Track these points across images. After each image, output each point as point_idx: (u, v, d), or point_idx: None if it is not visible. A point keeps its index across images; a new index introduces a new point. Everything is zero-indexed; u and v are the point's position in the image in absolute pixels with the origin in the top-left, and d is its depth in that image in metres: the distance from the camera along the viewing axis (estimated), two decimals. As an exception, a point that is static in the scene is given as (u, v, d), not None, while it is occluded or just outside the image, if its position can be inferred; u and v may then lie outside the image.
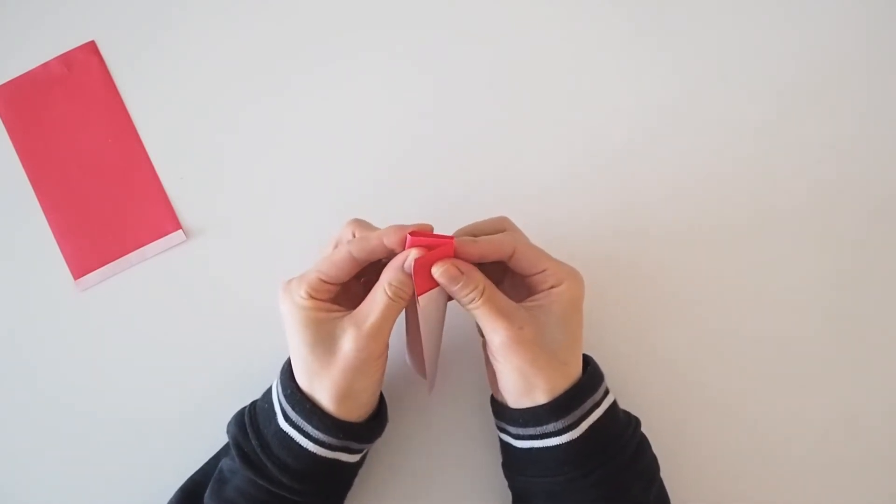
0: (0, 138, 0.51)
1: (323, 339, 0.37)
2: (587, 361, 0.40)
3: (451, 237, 0.38)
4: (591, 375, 0.39)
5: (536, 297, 0.39)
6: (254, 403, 0.41)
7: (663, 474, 0.40)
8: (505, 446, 0.41)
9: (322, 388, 0.37)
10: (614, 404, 0.39)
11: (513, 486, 0.42)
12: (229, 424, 0.40)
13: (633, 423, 0.40)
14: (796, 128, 0.50)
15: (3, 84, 0.52)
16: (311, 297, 0.37)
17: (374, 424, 0.40)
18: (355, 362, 0.37)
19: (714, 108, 0.51)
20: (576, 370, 0.38)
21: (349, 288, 0.39)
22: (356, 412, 0.38)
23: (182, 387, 0.47)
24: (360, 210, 0.47)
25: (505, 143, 0.50)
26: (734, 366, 0.47)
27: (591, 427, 0.37)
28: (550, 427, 0.37)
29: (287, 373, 0.39)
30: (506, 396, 0.39)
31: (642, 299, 0.48)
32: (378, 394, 0.40)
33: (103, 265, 0.49)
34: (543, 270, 0.38)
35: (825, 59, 0.52)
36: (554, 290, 0.38)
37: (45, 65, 0.52)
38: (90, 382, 0.47)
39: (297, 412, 0.38)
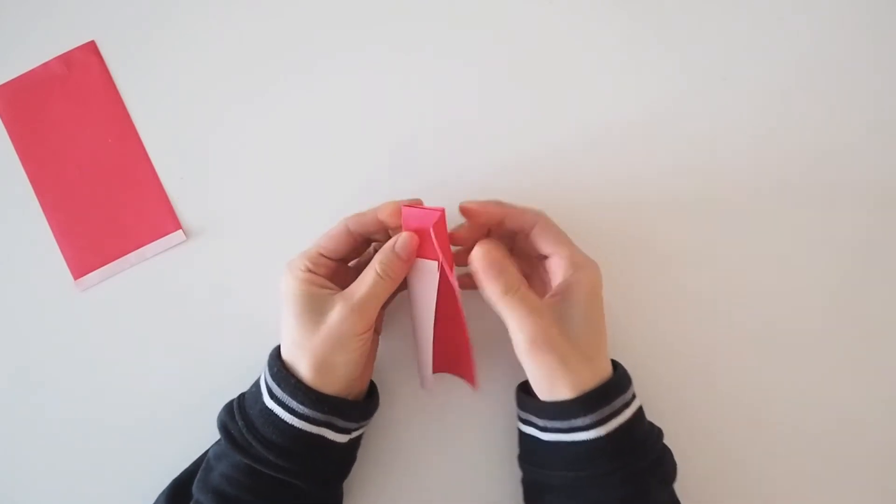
0: (0, 138, 0.51)
1: (311, 310, 0.38)
2: (615, 364, 0.40)
3: (442, 208, 0.39)
4: (622, 376, 0.39)
5: (556, 289, 0.39)
6: (243, 393, 0.41)
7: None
8: (527, 438, 0.41)
9: (302, 357, 0.38)
10: (641, 409, 0.40)
11: (528, 479, 0.41)
12: (220, 412, 0.41)
13: (656, 430, 0.40)
14: (797, 126, 0.50)
15: (3, 84, 0.52)
16: (309, 271, 0.39)
17: (359, 403, 0.41)
18: (337, 334, 0.38)
19: (714, 103, 0.51)
20: (603, 365, 0.39)
21: (341, 272, 0.42)
22: (333, 385, 0.39)
23: (181, 387, 0.47)
24: (360, 209, 0.47)
25: (505, 138, 0.50)
26: (733, 358, 0.47)
27: (620, 427, 0.37)
28: (578, 421, 0.37)
29: (275, 355, 0.40)
30: (535, 391, 0.39)
31: (642, 292, 0.48)
32: (357, 371, 0.40)
33: (103, 265, 0.49)
34: (559, 253, 0.39)
35: (825, 57, 0.52)
36: (573, 278, 0.39)
37: (45, 65, 0.52)
38: (90, 382, 0.47)
39: (281, 388, 0.38)
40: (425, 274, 0.40)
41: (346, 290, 0.39)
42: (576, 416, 0.37)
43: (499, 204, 0.40)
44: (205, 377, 0.47)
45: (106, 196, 0.50)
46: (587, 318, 0.38)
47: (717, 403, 0.46)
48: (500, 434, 0.45)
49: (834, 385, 0.47)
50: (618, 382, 0.39)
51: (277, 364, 0.39)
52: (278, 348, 0.41)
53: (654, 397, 0.43)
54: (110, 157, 0.51)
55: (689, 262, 0.48)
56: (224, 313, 0.48)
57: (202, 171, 0.50)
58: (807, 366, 0.47)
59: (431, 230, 0.38)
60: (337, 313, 0.38)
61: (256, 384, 0.41)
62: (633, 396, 0.39)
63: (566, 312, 0.38)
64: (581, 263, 0.39)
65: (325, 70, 0.52)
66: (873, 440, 0.46)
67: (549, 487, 0.40)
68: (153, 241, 0.49)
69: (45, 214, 0.50)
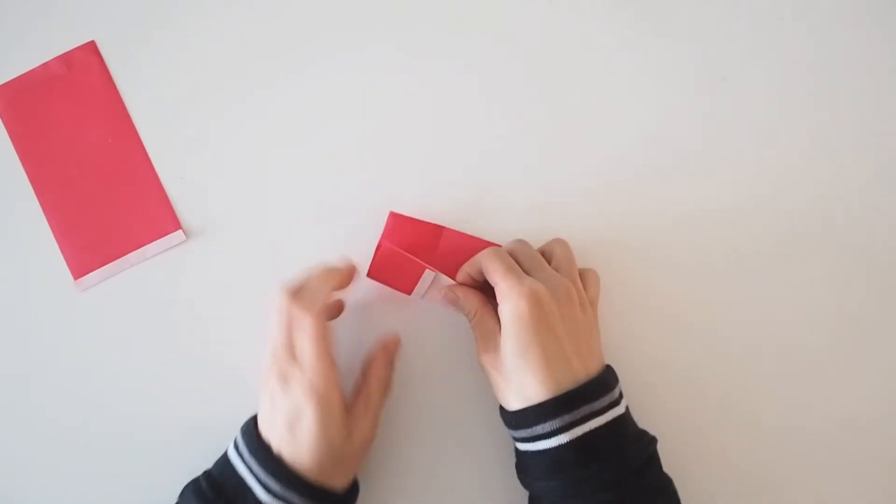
0: (0, 138, 0.51)
1: (341, 424, 0.39)
2: (602, 369, 0.40)
3: (377, 246, 0.43)
4: (594, 384, 0.38)
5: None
6: (208, 475, 0.40)
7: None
8: (514, 447, 0.42)
9: (341, 474, 0.40)
10: (622, 417, 0.39)
11: (525, 487, 0.42)
12: (186, 496, 0.39)
13: (647, 438, 0.40)
14: (798, 125, 0.50)
15: (3, 84, 0.52)
16: (325, 350, 0.39)
17: (350, 492, 0.41)
18: (361, 451, 0.41)
19: (715, 103, 0.51)
20: (533, 392, 0.38)
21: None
22: (341, 485, 0.40)
23: (181, 387, 0.47)
24: (360, 209, 0.47)
25: (504, 138, 0.50)
26: (733, 371, 0.47)
27: (587, 434, 0.37)
28: (539, 429, 0.38)
29: (265, 449, 0.39)
30: None
31: (641, 294, 0.48)
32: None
33: (103, 265, 0.49)
34: (495, 286, 0.40)
35: (826, 57, 0.52)
36: (501, 310, 0.39)
37: (45, 65, 0.52)
38: (89, 382, 0.47)
39: (282, 486, 0.38)
40: (434, 286, 0.43)
41: (356, 420, 0.40)
42: (533, 424, 0.38)
43: (464, 269, 0.43)
44: (205, 377, 0.47)
45: (106, 196, 0.50)
46: (515, 348, 0.39)
47: (714, 415, 0.46)
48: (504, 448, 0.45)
49: (836, 394, 0.47)
50: (581, 392, 0.38)
51: (273, 463, 0.38)
52: (256, 427, 0.40)
53: (649, 405, 0.44)
54: (110, 157, 0.51)
55: (690, 262, 0.48)
56: (224, 313, 0.48)
57: (202, 171, 0.50)
58: (808, 376, 0.47)
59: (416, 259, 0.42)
60: (359, 434, 0.40)
61: (232, 474, 0.39)
62: (611, 405, 0.39)
63: (502, 342, 0.39)
64: (504, 294, 0.39)
65: (325, 70, 0.52)
66: (873, 450, 0.46)
67: (537, 495, 0.40)
68: (153, 241, 0.49)
69: (45, 214, 0.50)
